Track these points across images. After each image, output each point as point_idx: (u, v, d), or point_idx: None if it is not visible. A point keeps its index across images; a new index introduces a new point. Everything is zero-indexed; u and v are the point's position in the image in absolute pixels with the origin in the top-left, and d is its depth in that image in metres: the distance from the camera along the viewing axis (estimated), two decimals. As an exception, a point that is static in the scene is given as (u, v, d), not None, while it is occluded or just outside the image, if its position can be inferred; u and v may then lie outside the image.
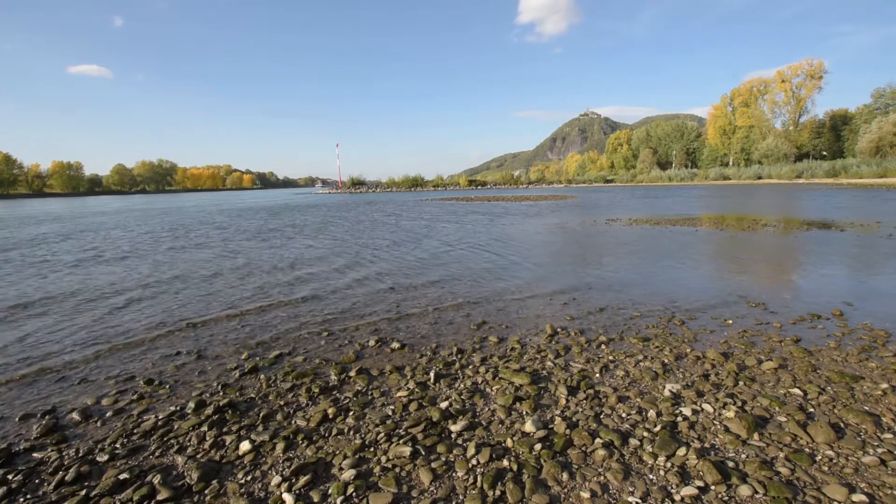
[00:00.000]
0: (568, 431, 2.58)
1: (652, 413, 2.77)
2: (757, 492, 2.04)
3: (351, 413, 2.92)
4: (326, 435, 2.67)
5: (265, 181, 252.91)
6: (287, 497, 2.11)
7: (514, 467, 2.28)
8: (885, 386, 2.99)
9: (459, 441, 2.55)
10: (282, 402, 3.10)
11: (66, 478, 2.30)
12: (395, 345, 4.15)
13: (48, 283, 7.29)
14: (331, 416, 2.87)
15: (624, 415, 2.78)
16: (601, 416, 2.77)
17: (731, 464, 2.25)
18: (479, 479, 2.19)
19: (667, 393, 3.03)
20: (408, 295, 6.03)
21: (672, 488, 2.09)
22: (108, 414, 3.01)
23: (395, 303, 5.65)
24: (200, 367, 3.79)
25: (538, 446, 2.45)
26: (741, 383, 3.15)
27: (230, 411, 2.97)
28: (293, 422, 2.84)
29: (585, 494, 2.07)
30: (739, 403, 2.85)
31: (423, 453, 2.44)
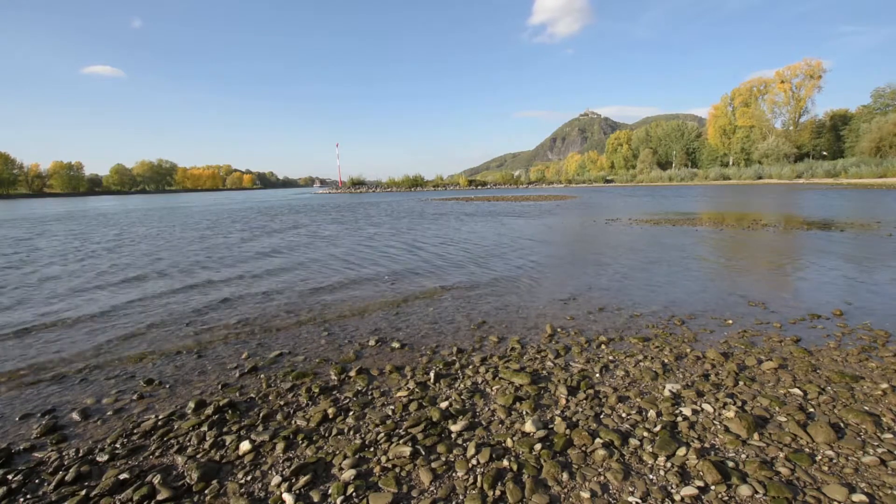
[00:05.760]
0: (568, 431, 2.58)
1: (652, 413, 2.77)
2: (757, 492, 2.04)
3: (351, 413, 2.92)
4: (326, 435, 2.67)
5: (265, 181, 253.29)
6: (287, 497, 2.11)
7: (514, 467, 2.28)
8: (885, 386, 2.99)
9: (459, 441, 2.55)
10: (282, 402, 3.10)
11: (66, 478, 2.30)
12: (395, 344, 4.15)
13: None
14: (331, 416, 2.87)
15: (624, 415, 2.78)
16: (601, 416, 2.77)
17: (731, 464, 2.25)
18: (479, 479, 2.19)
19: (667, 393, 3.03)
20: (407, 294, 6.03)
21: (672, 488, 2.09)
22: (108, 414, 3.01)
23: (394, 302, 5.66)
24: (200, 366, 3.79)
25: (538, 446, 2.44)
26: (741, 383, 3.15)
27: (230, 411, 2.97)
28: (293, 422, 2.84)
29: (585, 494, 2.07)
30: (739, 403, 2.85)
31: (423, 453, 2.43)
